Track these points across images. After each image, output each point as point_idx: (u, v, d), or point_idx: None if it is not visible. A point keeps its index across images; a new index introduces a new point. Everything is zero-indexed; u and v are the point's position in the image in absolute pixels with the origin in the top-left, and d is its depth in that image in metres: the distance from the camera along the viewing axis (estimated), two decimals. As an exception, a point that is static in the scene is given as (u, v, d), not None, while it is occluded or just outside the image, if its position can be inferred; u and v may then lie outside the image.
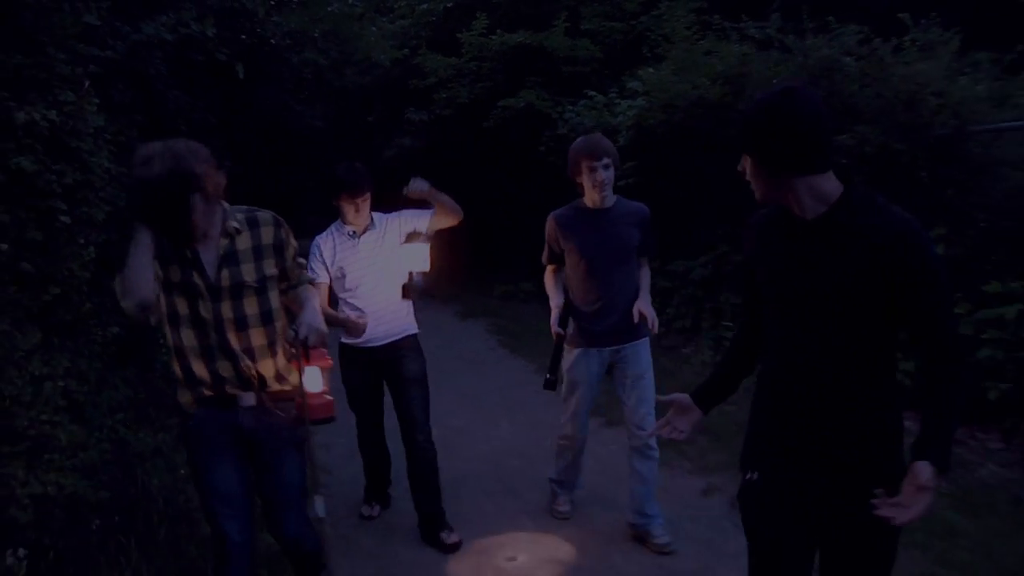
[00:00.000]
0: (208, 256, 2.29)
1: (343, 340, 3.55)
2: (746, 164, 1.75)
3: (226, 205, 2.34)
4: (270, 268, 2.38)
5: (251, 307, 2.34)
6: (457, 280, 10.29)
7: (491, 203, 10.69)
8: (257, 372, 2.36)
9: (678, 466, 4.23)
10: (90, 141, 3.68)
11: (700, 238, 6.91)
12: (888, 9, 5.81)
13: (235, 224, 2.33)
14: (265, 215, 2.42)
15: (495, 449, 4.75)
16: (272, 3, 6.85)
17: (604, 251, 3.32)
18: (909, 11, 5.53)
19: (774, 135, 1.65)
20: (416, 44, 11.24)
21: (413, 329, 3.57)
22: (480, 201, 10.56)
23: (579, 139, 3.37)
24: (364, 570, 3.34)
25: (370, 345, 3.46)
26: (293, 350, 2.42)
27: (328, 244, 3.44)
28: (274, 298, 2.40)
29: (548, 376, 3.44)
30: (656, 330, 3.26)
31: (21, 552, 2.67)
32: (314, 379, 2.41)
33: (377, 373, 3.57)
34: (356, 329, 3.31)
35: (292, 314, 2.50)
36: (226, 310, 2.30)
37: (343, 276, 3.41)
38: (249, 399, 2.37)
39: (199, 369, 2.32)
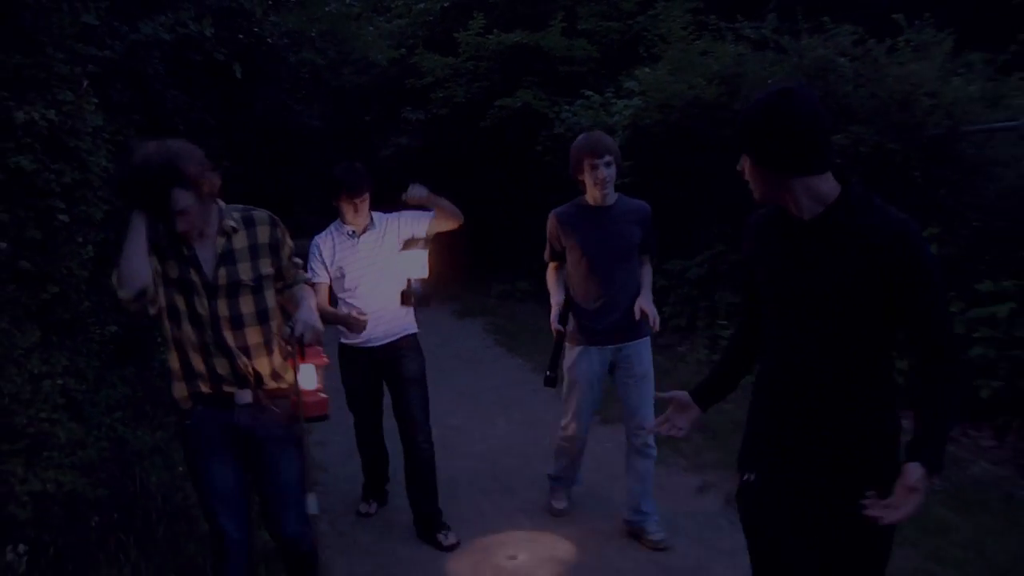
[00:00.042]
0: (205, 254, 2.30)
1: (343, 340, 3.55)
2: (745, 164, 1.76)
3: (222, 204, 2.35)
4: (266, 267, 2.39)
5: (247, 306, 2.35)
6: (454, 279, 10.31)
7: (488, 203, 10.71)
8: (254, 370, 2.37)
9: (673, 464, 4.26)
10: (88, 140, 3.69)
11: (696, 237, 6.94)
12: (883, 10, 5.85)
13: (232, 223, 2.34)
14: (261, 214, 2.43)
15: (492, 447, 4.78)
16: (270, 3, 6.87)
17: (605, 249, 3.32)
18: (903, 12, 5.57)
19: (772, 135, 1.65)
20: (413, 44, 11.26)
21: (413, 328, 3.58)
22: (477, 201, 10.57)
23: (581, 136, 3.37)
24: (361, 567, 3.35)
25: (370, 345, 3.47)
26: (289, 347, 2.42)
27: (327, 244, 3.45)
28: (270, 297, 2.42)
29: (548, 373, 3.44)
30: (657, 327, 3.26)
31: (21, 548, 2.69)
32: (309, 377, 2.42)
33: (377, 373, 3.57)
34: (356, 327, 3.31)
35: (288, 313, 2.51)
36: (222, 308, 2.31)
37: (342, 276, 3.42)
38: (245, 396, 2.38)
39: (197, 363, 2.34)
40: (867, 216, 1.67)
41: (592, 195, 3.33)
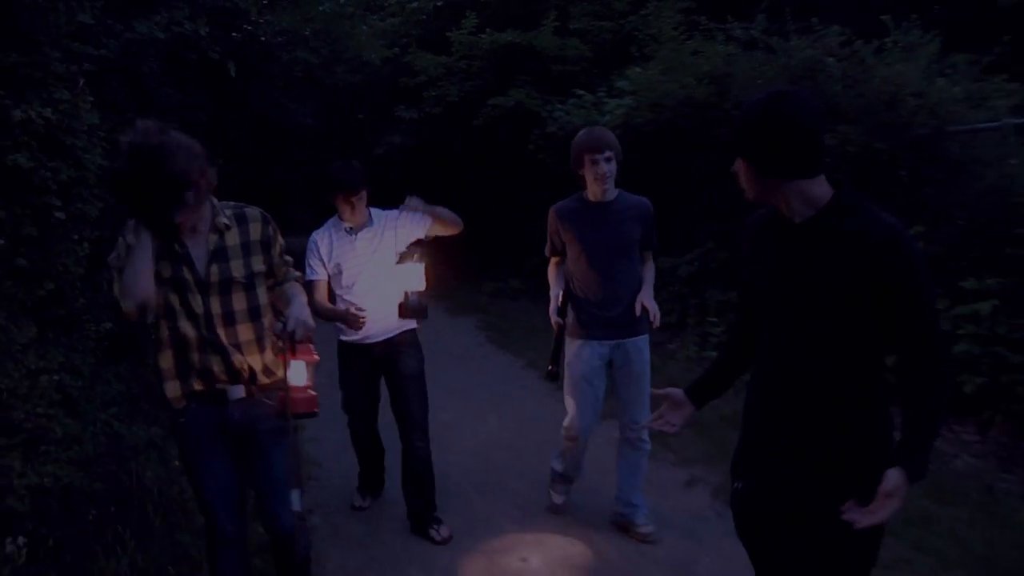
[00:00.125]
0: (197, 251, 2.31)
1: (341, 337, 3.55)
2: (739, 167, 1.78)
3: (215, 201, 2.36)
4: (258, 264, 2.41)
5: (239, 302, 2.36)
6: (447, 277, 10.36)
7: (481, 201, 10.77)
8: (248, 366, 2.40)
9: (662, 458, 4.31)
10: (84, 138, 3.72)
11: (687, 235, 6.99)
12: (870, 11, 5.92)
13: (224, 220, 2.35)
14: (253, 212, 2.45)
15: (483, 443, 4.83)
16: (264, 2, 6.90)
17: (604, 244, 3.32)
18: (891, 14, 5.65)
19: (767, 138, 1.67)
20: (406, 43, 11.29)
21: (411, 324, 3.57)
22: (470, 199, 10.65)
23: (581, 132, 3.37)
24: (354, 560, 3.39)
25: (368, 342, 3.47)
26: (280, 343, 2.43)
27: (325, 240, 3.44)
28: (262, 294, 2.43)
29: (550, 368, 3.45)
30: (657, 323, 3.27)
31: (20, 540, 2.73)
32: (299, 373, 2.43)
33: (375, 370, 3.57)
34: (354, 324, 3.32)
35: (279, 310, 2.52)
36: (215, 305, 2.32)
37: (340, 272, 3.41)
38: (238, 392, 2.40)
39: (192, 361, 2.35)
40: (858, 220, 1.68)
41: (592, 191, 3.34)
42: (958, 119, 5.08)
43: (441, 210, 3.48)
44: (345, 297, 3.46)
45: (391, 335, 3.49)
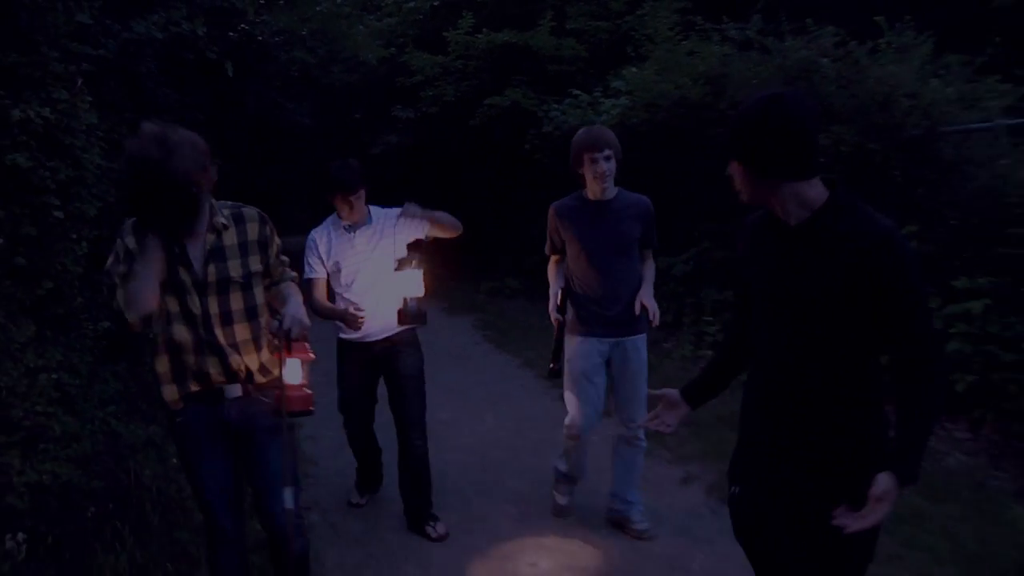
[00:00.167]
0: (194, 252, 2.31)
1: (341, 335, 3.55)
2: (733, 169, 1.78)
3: (213, 201, 2.36)
4: (255, 264, 2.41)
5: (236, 302, 2.37)
6: (444, 276, 10.38)
7: (477, 200, 10.79)
8: (245, 366, 2.40)
9: (658, 455, 4.34)
10: (83, 138, 3.75)
11: (682, 235, 7.02)
12: (864, 12, 5.96)
13: (222, 220, 2.34)
14: (251, 211, 2.45)
15: (480, 441, 4.85)
16: (261, 2, 6.91)
17: (603, 243, 3.33)
18: (885, 14, 5.69)
19: (763, 139, 1.68)
20: (403, 42, 11.31)
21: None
22: (466, 198, 10.68)
23: (581, 130, 3.38)
24: (352, 557, 3.41)
25: (367, 340, 3.47)
26: (275, 341, 2.43)
27: (324, 238, 3.44)
28: (259, 294, 2.43)
29: (552, 365, 3.46)
30: (657, 322, 3.28)
31: (20, 536, 2.75)
32: (294, 371, 2.45)
33: (374, 370, 3.58)
34: (353, 324, 3.32)
35: (274, 310, 2.52)
36: (212, 305, 2.32)
37: (339, 270, 3.42)
38: (235, 391, 2.41)
39: (188, 363, 2.35)
40: (853, 222, 1.69)
41: (591, 189, 3.34)
42: (951, 120, 5.12)
43: (440, 215, 3.48)
44: (344, 295, 3.46)
45: (391, 333, 3.49)
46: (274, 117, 9.41)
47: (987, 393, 4.28)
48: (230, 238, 2.36)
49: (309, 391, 2.52)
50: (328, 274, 3.46)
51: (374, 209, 3.50)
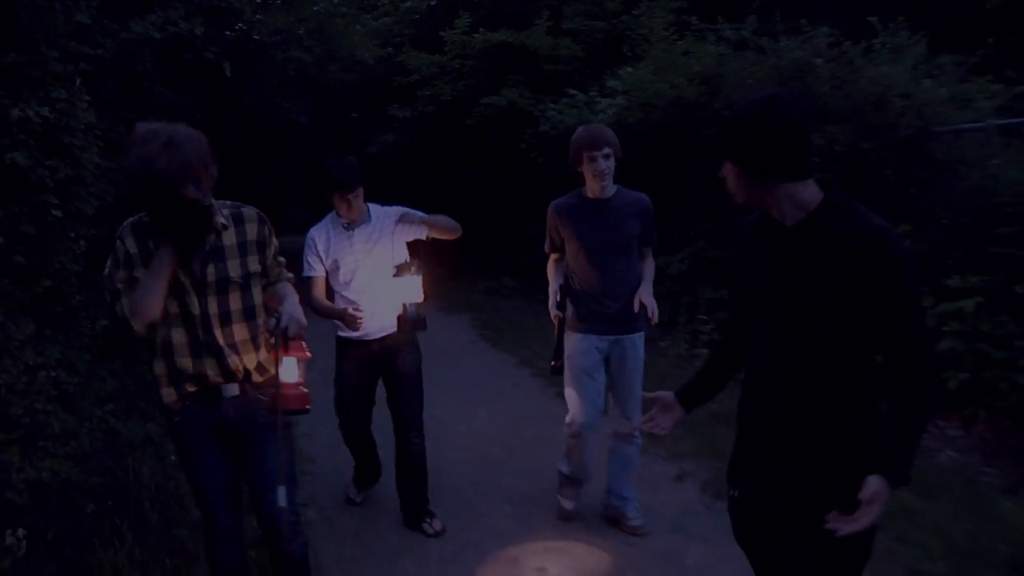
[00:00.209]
0: (194, 251, 2.31)
1: (340, 333, 3.55)
2: (727, 170, 1.79)
3: (212, 200, 2.34)
4: (254, 264, 2.41)
5: (235, 302, 2.37)
6: (441, 276, 10.41)
7: (474, 200, 10.82)
8: (243, 366, 2.41)
9: (653, 453, 4.37)
10: (81, 137, 3.76)
11: (677, 234, 7.05)
12: (859, 13, 6.00)
13: (222, 220, 2.35)
14: (250, 211, 2.45)
15: (476, 439, 4.88)
16: (258, 1, 6.93)
17: (602, 241, 3.34)
18: (879, 15, 5.72)
19: (757, 140, 1.68)
20: (400, 42, 11.34)
21: None
22: (463, 198, 10.70)
23: (580, 129, 3.39)
24: (349, 553, 3.43)
25: (366, 338, 3.48)
26: (272, 339, 2.43)
27: (322, 236, 3.44)
28: (257, 294, 2.44)
29: (553, 363, 3.47)
30: (656, 320, 3.29)
31: (20, 532, 2.77)
32: (291, 370, 2.46)
33: (373, 369, 3.58)
34: (352, 324, 3.32)
35: (271, 309, 2.52)
36: (211, 305, 2.33)
37: (337, 268, 3.42)
38: (232, 390, 2.42)
39: (185, 364, 2.35)
40: (848, 222, 1.69)
41: (591, 187, 3.35)
42: (943, 120, 5.15)
43: (439, 219, 3.50)
44: (343, 293, 3.46)
45: (389, 332, 3.49)
46: (271, 116, 9.42)
47: (979, 391, 4.32)
48: (229, 238, 2.36)
49: (305, 389, 2.53)
50: (327, 272, 3.47)
51: (373, 207, 3.50)
